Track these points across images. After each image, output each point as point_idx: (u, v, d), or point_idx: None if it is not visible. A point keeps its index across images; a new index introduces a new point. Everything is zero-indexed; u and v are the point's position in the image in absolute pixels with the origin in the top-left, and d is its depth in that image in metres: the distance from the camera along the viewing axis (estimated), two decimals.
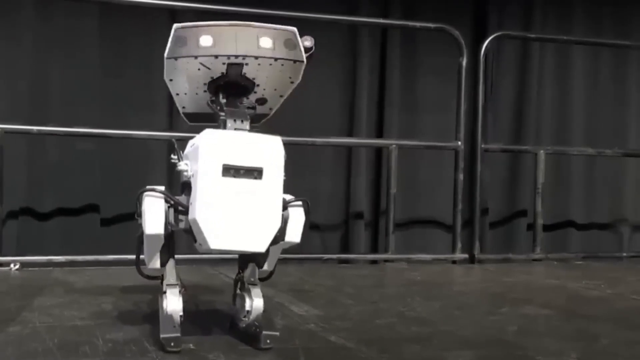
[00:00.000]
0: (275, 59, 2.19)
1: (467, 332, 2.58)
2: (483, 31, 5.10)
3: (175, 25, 2.14)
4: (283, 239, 2.19)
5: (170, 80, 2.26)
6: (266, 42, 2.16)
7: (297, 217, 2.20)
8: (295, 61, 2.21)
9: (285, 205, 2.19)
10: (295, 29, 2.22)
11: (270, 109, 2.41)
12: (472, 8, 5.31)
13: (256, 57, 2.17)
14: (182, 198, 2.18)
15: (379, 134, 5.08)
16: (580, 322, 2.86)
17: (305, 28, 4.50)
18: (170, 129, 4.44)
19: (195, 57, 2.14)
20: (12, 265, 3.80)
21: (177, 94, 2.34)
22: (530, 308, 3.09)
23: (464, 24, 5.04)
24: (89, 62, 4.41)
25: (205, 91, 2.28)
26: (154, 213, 2.12)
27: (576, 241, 5.51)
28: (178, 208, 2.16)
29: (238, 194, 2.06)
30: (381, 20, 5.03)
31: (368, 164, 5.04)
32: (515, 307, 3.10)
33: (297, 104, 4.58)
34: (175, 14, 4.50)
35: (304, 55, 2.21)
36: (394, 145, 4.57)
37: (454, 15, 5.04)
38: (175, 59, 2.14)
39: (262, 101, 2.35)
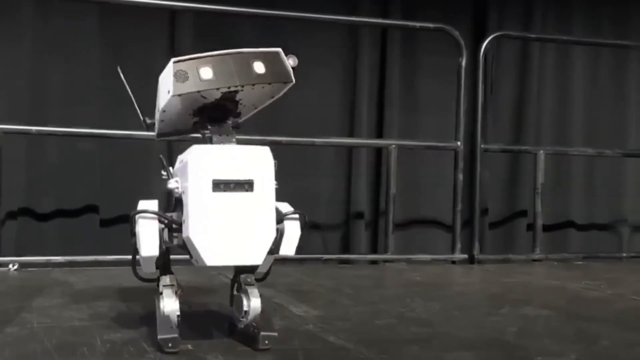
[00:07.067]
0: (269, 83, 2.19)
1: (466, 333, 2.58)
2: (483, 31, 5.10)
3: (172, 60, 2.11)
4: (277, 252, 2.19)
5: (164, 111, 2.24)
6: (259, 67, 2.16)
7: (293, 231, 2.20)
8: (285, 82, 2.22)
9: (281, 218, 2.18)
10: (280, 50, 2.21)
11: (242, 118, 2.42)
12: (472, 8, 5.31)
13: (253, 85, 2.17)
14: (176, 215, 2.17)
15: (379, 134, 5.07)
16: (581, 323, 2.85)
17: (305, 28, 4.55)
18: None
19: (199, 92, 2.13)
20: (10, 266, 3.79)
21: (163, 120, 2.31)
22: (530, 309, 3.09)
23: (464, 24, 5.03)
24: (89, 62, 4.39)
25: (190, 114, 2.28)
26: (148, 236, 2.12)
27: (576, 241, 5.50)
28: (172, 226, 2.16)
29: (230, 208, 2.05)
30: (381, 20, 5.03)
31: (368, 164, 5.03)
32: (515, 307, 3.09)
33: (297, 104, 4.59)
34: (175, 14, 4.50)
35: (292, 76, 2.21)
36: (394, 146, 4.57)
37: (453, 15, 5.03)
38: (180, 95, 2.12)
39: (237, 114, 2.34)
